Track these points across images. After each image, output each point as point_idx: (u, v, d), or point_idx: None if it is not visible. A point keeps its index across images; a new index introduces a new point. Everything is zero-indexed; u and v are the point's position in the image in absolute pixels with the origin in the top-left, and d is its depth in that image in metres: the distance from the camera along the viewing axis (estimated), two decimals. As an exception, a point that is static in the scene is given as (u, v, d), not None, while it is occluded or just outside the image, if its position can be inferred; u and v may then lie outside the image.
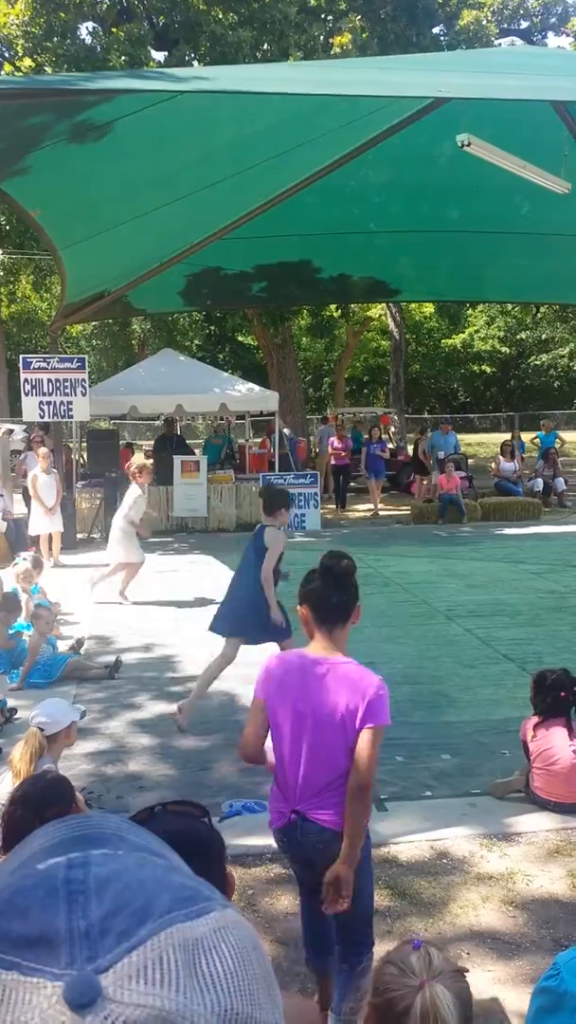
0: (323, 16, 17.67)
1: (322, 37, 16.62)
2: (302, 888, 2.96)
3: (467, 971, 1.52)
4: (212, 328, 29.66)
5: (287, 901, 3.66)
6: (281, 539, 5.70)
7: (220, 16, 16.15)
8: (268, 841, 3.61)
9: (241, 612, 5.67)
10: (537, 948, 3.35)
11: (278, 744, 2.75)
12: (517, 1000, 2.98)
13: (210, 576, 10.86)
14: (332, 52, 15.91)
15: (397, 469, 20.70)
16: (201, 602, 9.46)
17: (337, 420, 21.45)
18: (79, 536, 13.35)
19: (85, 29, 17.65)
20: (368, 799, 2.68)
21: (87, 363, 13.82)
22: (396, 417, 25.95)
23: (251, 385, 16.97)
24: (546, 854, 4.04)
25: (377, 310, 29.94)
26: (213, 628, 5.82)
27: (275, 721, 2.74)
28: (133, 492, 9.31)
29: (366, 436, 18.03)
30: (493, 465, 18.38)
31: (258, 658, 3.40)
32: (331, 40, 16.42)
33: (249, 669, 3.52)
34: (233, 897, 3.18)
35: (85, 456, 15.75)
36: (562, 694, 4.47)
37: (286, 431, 16.75)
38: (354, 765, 2.62)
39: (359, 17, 16.51)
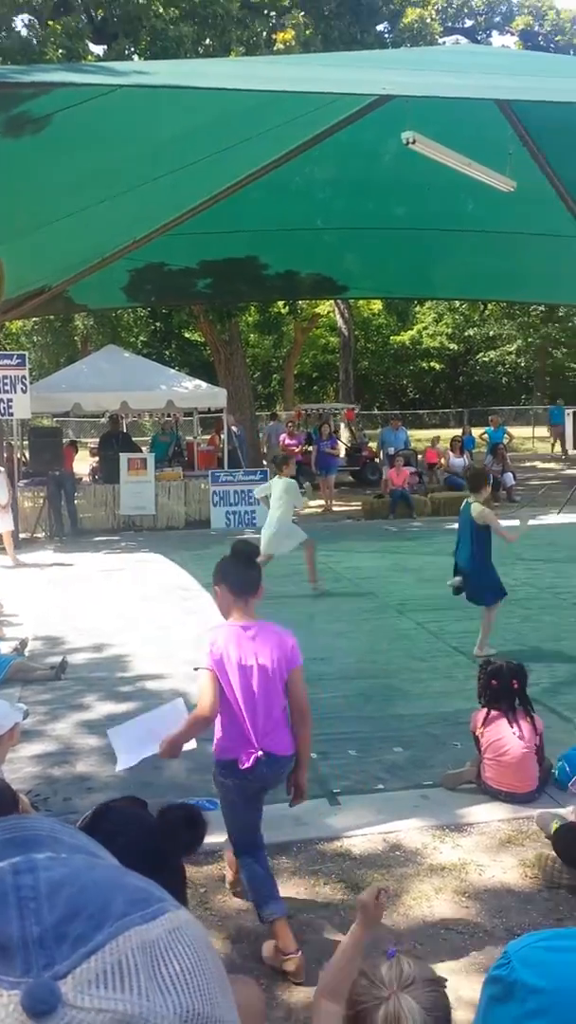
0: (266, 12, 17.63)
1: (265, 33, 16.58)
2: (253, 804, 3.45)
3: (445, 981, 1.50)
4: (158, 324, 29.47)
5: (239, 900, 3.63)
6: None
7: (161, 10, 16.00)
8: (221, 838, 3.59)
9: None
10: (490, 937, 3.36)
11: (233, 700, 3.27)
12: (470, 990, 2.98)
13: (159, 575, 10.79)
14: (275, 48, 15.87)
15: (361, 465, 20.89)
16: (149, 601, 9.38)
17: (300, 416, 21.51)
18: (23, 536, 13.15)
19: (20, 21, 17.35)
20: (309, 718, 3.46)
21: (28, 360, 13.60)
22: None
23: (198, 382, 16.88)
24: (498, 844, 4.06)
25: (326, 307, 30.07)
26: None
27: (227, 681, 3.27)
28: (284, 483, 9.40)
29: (311, 432, 18.08)
30: (443, 460, 18.56)
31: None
32: (274, 36, 16.38)
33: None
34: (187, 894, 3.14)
35: (27, 454, 15.50)
36: (514, 684, 4.51)
37: (234, 428, 16.68)
38: (294, 698, 3.40)
39: (302, 14, 16.50)
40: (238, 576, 3.45)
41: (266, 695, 3.29)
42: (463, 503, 7.16)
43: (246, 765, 3.27)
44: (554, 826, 3.90)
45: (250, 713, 3.28)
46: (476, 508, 6.84)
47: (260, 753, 3.27)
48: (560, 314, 31.40)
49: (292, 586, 9.92)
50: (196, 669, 3.34)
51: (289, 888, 3.72)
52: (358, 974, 1.48)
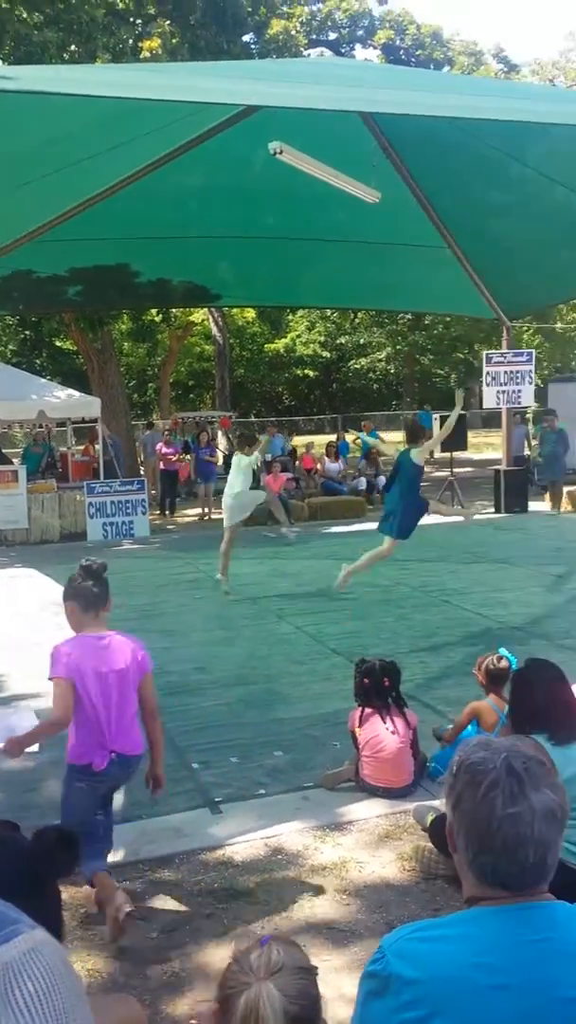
0: (131, 20, 17.49)
1: (131, 41, 16.45)
2: (101, 805, 3.74)
3: (316, 969, 1.50)
4: (27, 333, 28.73)
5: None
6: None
7: (24, 15, 15.63)
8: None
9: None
10: (371, 933, 3.42)
11: (90, 707, 3.53)
12: (353, 987, 3.03)
13: (32, 590, 10.50)
14: (141, 56, 15.78)
15: None
16: (22, 616, 9.13)
17: (176, 425, 21.37)
18: None
19: None
20: (159, 719, 3.83)
21: None
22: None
23: (71, 391, 16.54)
24: (377, 839, 4.15)
25: (200, 315, 29.99)
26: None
27: (83, 688, 3.53)
28: (246, 460, 9.84)
29: (194, 441, 18.02)
30: (319, 466, 18.82)
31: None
32: (140, 44, 16.28)
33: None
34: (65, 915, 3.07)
35: None
36: (386, 682, 4.62)
37: (109, 437, 16.43)
38: (145, 701, 3.73)
39: (168, 22, 16.46)
40: (86, 593, 3.70)
41: (121, 700, 3.61)
42: (401, 451, 8.37)
43: (101, 767, 3.56)
44: (430, 818, 4.02)
45: (106, 718, 3.57)
46: (415, 451, 8.06)
47: (113, 755, 3.58)
48: (426, 322, 32.35)
49: (171, 595, 9.85)
50: (50, 679, 3.58)
51: (171, 901, 3.69)
52: (231, 960, 1.47)
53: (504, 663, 4.61)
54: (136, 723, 3.70)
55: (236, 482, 9.89)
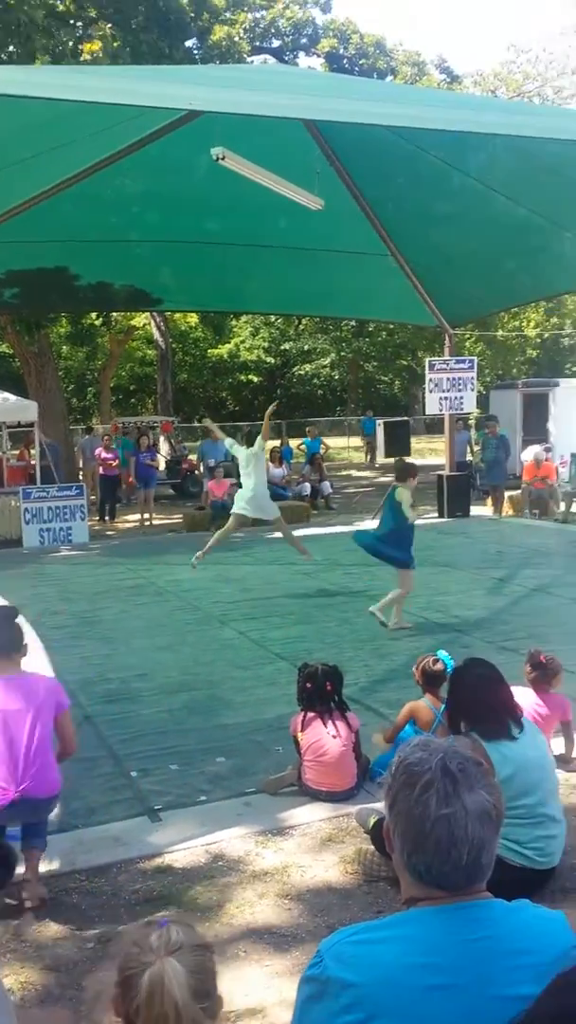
0: (72, 22, 17.30)
1: (71, 43, 16.26)
2: None
3: (212, 947, 1.56)
4: (-40, 336, 28.19)
5: (56, 926, 3.52)
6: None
7: (-39, 16, 15.34)
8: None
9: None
10: (312, 937, 3.41)
11: None
12: (294, 992, 3.02)
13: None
14: (82, 59, 15.61)
15: (181, 476, 20.86)
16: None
17: (116, 429, 21.19)
18: None
19: None
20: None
21: None
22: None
23: (6, 394, 16.25)
24: (319, 843, 4.15)
25: (142, 319, 29.81)
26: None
27: None
28: (250, 451, 9.93)
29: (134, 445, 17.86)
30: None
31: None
32: (81, 47, 16.10)
33: None
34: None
35: None
36: (328, 686, 4.62)
37: (46, 442, 16.19)
38: (64, 737, 3.87)
39: (109, 26, 16.32)
40: None
41: (29, 741, 3.65)
42: (391, 488, 8.42)
43: (2, 804, 3.64)
44: (372, 821, 4.02)
45: (13, 756, 3.64)
46: (401, 491, 8.10)
47: (17, 795, 3.62)
48: (370, 329, 32.65)
49: (111, 602, 9.74)
50: None
51: (108, 911, 3.63)
52: (129, 942, 1.52)
53: (439, 665, 4.69)
54: (49, 764, 3.74)
55: (249, 482, 10.02)
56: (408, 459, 12.66)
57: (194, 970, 1.45)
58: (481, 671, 3.71)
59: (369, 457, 27.55)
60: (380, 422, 23.40)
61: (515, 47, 43.06)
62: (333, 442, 27.39)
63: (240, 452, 10.15)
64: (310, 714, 4.62)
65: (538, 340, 30.58)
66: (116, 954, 1.52)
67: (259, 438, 10.05)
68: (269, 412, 10.27)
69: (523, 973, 1.41)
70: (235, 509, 10.22)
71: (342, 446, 30.99)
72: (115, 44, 16.04)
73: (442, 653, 4.81)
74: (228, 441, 11.18)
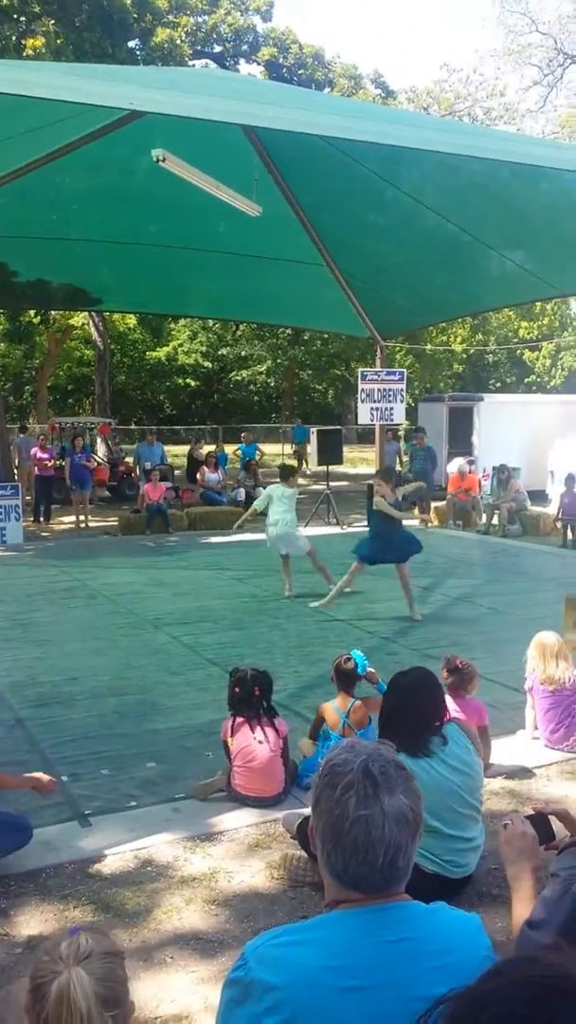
0: (15, 16, 17.08)
1: (14, 38, 16.07)
2: None
3: (122, 952, 1.58)
4: None
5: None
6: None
7: None
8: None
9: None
10: (238, 943, 3.44)
11: None
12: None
13: None
14: (24, 54, 15.44)
15: (119, 479, 20.68)
16: None
17: (54, 429, 20.91)
18: None
19: None
20: None
21: None
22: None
23: None
24: (246, 849, 4.18)
25: (80, 319, 29.44)
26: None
27: None
28: (289, 491, 9.91)
29: (70, 446, 17.63)
30: (198, 476, 18.77)
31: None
32: (23, 42, 15.92)
33: None
34: None
35: None
36: (256, 691, 4.66)
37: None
38: None
39: (52, 22, 16.17)
40: None
41: None
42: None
43: None
44: (298, 823, 4.07)
45: None
46: (378, 500, 8.95)
47: None
48: (305, 338, 32.81)
49: (44, 604, 9.62)
50: None
51: (37, 915, 3.61)
52: (40, 951, 1.54)
53: (351, 663, 4.81)
54: None
55: (273, 512, 9.84)
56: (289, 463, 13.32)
57: (102, 978, 1.48)
58: (417, 677, 3.73)
59: (300, 465, 27.65)
60: (313, 430, 23.57)
61: (447, 66, 43.91)
62: (268, 448, 27.38)
63: (280, 490, 9.92)
64: (239, 719, 4.65)
65: (464, 355, 31.15)
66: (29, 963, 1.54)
67: (294, 487, 10.09)
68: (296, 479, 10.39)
69: (440, 975, 1.44)
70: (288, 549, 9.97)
71: (276, 452, 31.03)
72: (58, 41, 15.92)
73: (355, 652, 4.91)
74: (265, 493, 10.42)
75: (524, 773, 5.01)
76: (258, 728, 4.61)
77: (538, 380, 32.89)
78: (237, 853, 4.14)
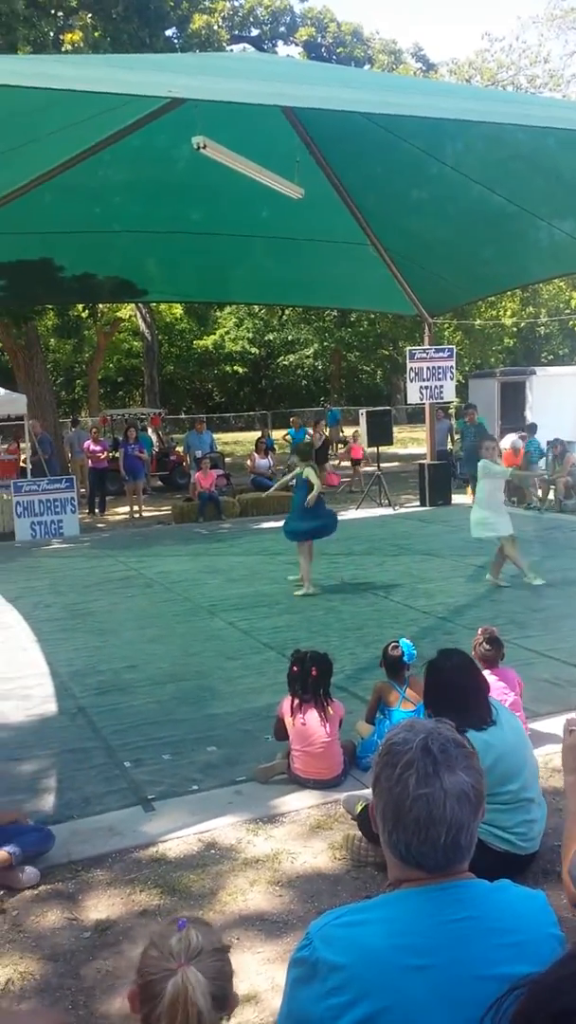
0: (53, 12, 17.15)
1: (52, 33, 16.15)
2: None
3: (229, 947, 1.56)
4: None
5: (54, 917, 3.55)
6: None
7: (-58, 6, 15.20)
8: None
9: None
10: (303, 923, 3.46)
11: None
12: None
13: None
14: (63, 49, 15.51)
15: (170, 469, 20.87)
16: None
17: (106, 422, 21.16)
18: None
19: None
20: None
21: None
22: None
23: (-3, 387, 16.25)
24: (308, 830, 4.19)
25: (127, 311, 29.70)
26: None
27: None
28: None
29: (122, 438, 17.82)
30: (248, 462, 18.82)
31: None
32: (62, 37, 16.00)
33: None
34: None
35: None
36: (313, 672, 4.67)
37: (40, 435, 16.15)
38: None
39: (90, 15, 16.21)
40: None
41: None
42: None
43: None
44: (359, 807, 4.07)
45: None
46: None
47: None
48: (352, 319, 32.61)
49: (101, 594, 9.75)
50: None
51: (105, 899, 3.67)
52: (149, 944, 1.51)
53: (398, 650, 4.79)
54: None
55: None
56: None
57: (214, 977, 1.46)
58: (457, 660, 3.74)
59: (325, 448, 27.37)
60: (363, 412, 23.47)
61: (489, 36, 43.05)
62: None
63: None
64: (297, 701, 4.66)
65: (515, 329, 30.62)
66: (139, 957, 1.51)
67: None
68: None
69: (505, 952, 1.44)
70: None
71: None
72: (96, 34, 15.96)
73: (403, 640, 4.88)
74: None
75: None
76: (313, 711, 4.62)
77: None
78: (299, 834, 4.16)
